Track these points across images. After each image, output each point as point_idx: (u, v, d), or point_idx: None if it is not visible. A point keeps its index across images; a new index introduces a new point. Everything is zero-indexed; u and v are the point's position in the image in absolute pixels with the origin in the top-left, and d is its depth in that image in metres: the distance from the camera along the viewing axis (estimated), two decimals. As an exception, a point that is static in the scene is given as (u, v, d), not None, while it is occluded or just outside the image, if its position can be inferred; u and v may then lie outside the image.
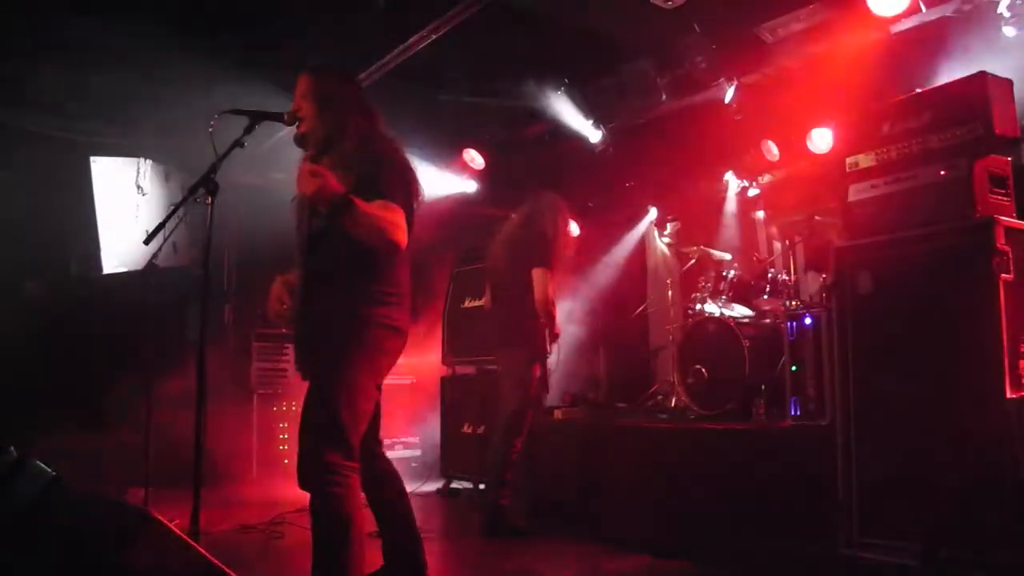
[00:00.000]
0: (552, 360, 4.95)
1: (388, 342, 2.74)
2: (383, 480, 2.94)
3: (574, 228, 7.19)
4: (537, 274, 4.54)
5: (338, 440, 2.57)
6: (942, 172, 3.34)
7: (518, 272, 4.63)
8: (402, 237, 2.62)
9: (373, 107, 2.88)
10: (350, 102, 2.82)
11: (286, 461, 6.13)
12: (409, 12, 4.92)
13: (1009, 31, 4.32)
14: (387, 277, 2.72)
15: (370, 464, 2.83)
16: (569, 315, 6.67)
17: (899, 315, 3.37)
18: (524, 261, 4.63)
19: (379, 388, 2.81)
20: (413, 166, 2.84)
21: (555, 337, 4.74)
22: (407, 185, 2.73)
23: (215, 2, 4.84)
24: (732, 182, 6.84)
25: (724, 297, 5.59)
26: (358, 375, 2.65)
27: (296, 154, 2.87)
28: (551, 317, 4.58)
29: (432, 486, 6.12)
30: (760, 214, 6.86)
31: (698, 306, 5.81)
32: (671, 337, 6.11)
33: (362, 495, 2.72)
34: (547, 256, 4.60)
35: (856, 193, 3.69)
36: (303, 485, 2.58)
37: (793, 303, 5.06)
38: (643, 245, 7.80)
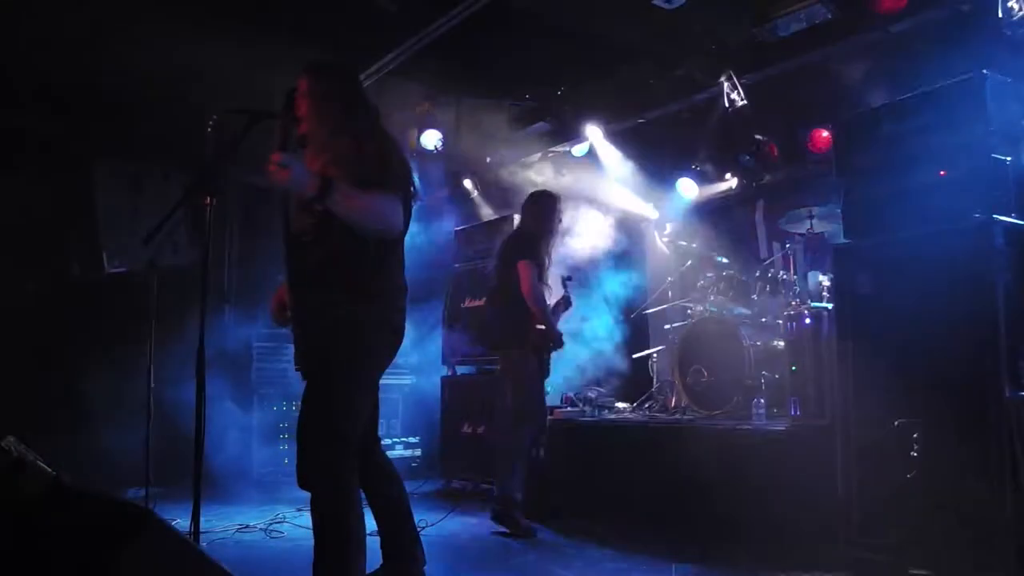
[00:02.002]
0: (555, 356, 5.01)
1: (383, 340, 2.74)
2: (381, 477, 2.95)
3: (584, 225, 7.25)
4: (521, 267, 4.65)
5: (336, 439, 2.57)
6: (942, 172, 3.34)
7: (508, 270, 4.75)
8: (396, 221, 2.62)
9: (372, 104, 2.87)
10: (349, 100, 2.81)
11: (286, 461, 6.12)
12: (410, 13, 4.92)
13: (1008, 31, 4.32)
14: (380, 274, 2.71)
15: (368, 461, 2.83)
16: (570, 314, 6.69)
17: (899, 315, 3.37)
18: (512, 258, 4.74)
19: (376, 386, 2.80)
20: (409, 163, 2.84)
21: (550, 334, 4.71)
22: (404, 179, 2.72)
23: (215, 1, 4.84)
24: (732, 181, 6.84)
25: (724, 297, 5.59)
26: (354, 374, 2.65)
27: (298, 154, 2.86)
28: (539, 310, 4.62)
29: (432, 486, 6.12)
30: (760, 214, 6.86)
31: (698, 306, 5.81)
32: (671, 337, 6.11)
33: (361, 492, 2.73)
34: (530, 249, 4.72)
35: (856, 193, 3.70)
36: (302, 485, 2.58)
37: (793, 303, 5.06)
38: (643, 245, 7.80)
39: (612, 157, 6.77)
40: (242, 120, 2.74)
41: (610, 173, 6.91)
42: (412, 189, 2.77)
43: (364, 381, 2.71)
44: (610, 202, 7.24)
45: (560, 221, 4.96)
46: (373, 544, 2.89)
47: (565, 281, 5.07)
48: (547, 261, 4.86)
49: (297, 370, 2.77)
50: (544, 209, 4.91)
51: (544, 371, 4.83)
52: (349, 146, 2.68)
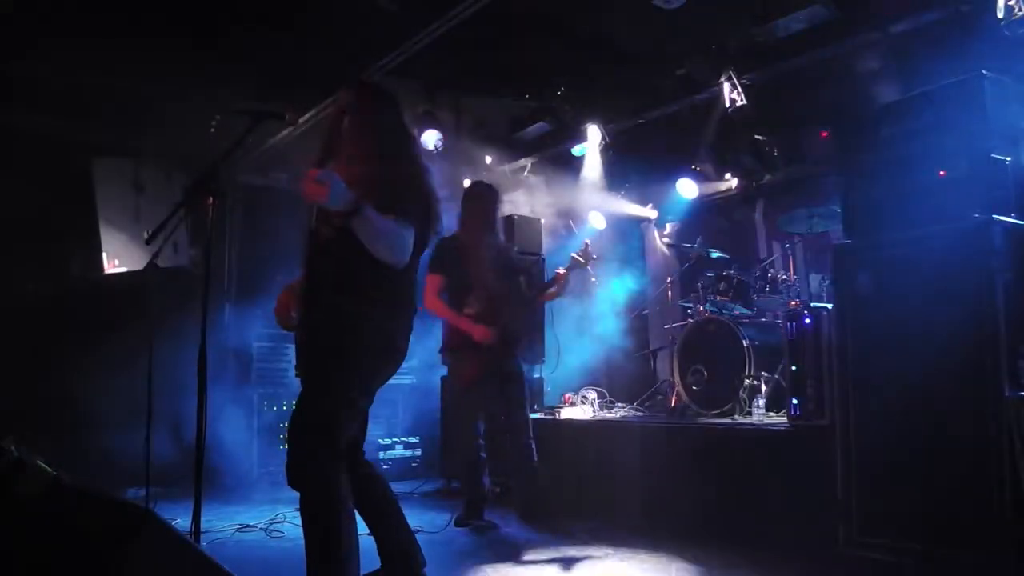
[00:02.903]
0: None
1: (383, 352, 2.76)
2: (369, 483, 2.94)
3: (599, 221, 7.27)
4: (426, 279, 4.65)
5: (326, 439, 2.59)
6: (942, 172, 3.34)
7: None
8: (403, 256, 2.66)
9: (411, 132, 2.93)
10: (388, 122, 2.84)
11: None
12: (410, 13, 4.92)
13: (1008, 31, 4.32)
14: (389, 289, 2.74)
15: (353, 468, 2.83)
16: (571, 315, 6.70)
17: (899, 315, 3.37)
18: None
19: (371, 396, 2.81)
20: (436, 192, 2.87)
21: (473, 335, 4.56)
22: (426, 210, 2.75)
23: (216, 1, 4.84)
24: (732, 181, 6.85)
25: (724, 297, 5.60)
26: (352, 376, 2.67)
27: (298, 154, 2.88)
28: (447, 317, 4.65)
29: (432, 486, 6.12)
30: (760, 214, 6.87)
31: (698, 306, 5.82)
32: (671, 337, 6.11)
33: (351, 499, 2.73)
34: (431, 261, 4.63)
35: (856, 193, 3.70)
36: (292, 484, 2.60)
37: (793, 303, 5.07)
38: (643, 245, 7.81)
39: (595, 170, 6.81)
40: (244, 120, 2.75)
41: (586, 182, 6.95)
42: (433, 221, 2.80)
43: (361, 385, 2.72)
44: (607, 205, 7.27)
45: (487, 212, 4.67)
46: (373, 546, 2.89)
47: (578, 253, 4.68)
48: (482, 257, 4.63)
49: (297, 376, 2.79)
50: (465, 211, 4.74)
51: (471, 376, 4.67)
52: (380, 168, 2.72)
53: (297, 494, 2.60)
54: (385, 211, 2.56)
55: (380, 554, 2.95)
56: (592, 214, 7.45)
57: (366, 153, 2.77)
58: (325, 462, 2.57)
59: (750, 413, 4.73)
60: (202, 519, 2.72)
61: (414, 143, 2.91)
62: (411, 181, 2.76)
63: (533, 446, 4.76)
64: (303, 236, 2.85)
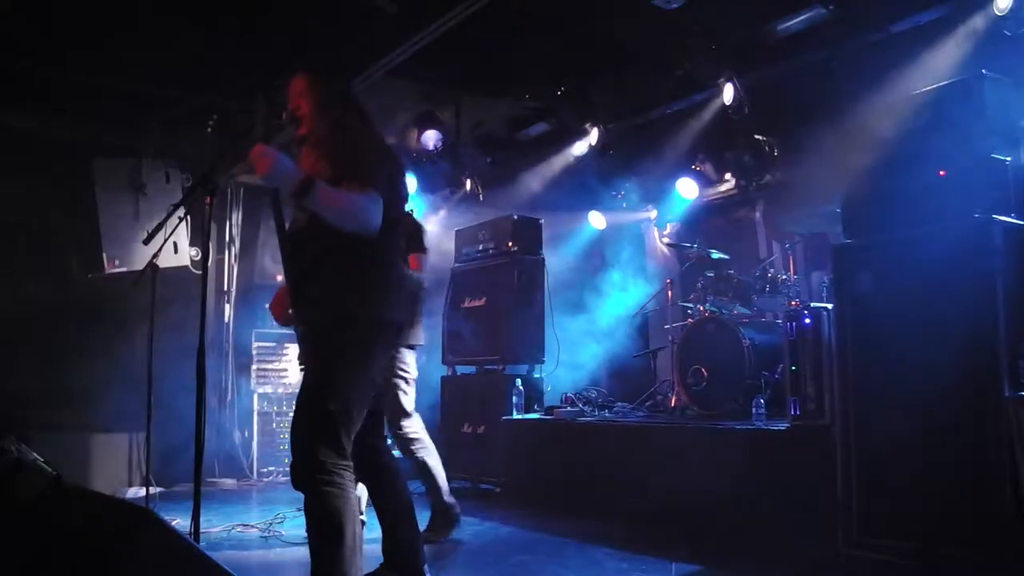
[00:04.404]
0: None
1: (380, 335, 2.72)
2: (386, 476, 2.94)
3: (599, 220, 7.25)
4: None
5: (329, 439, 2.54)
6: (941, 172, 3.34)
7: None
8: (374, 220, 2.55)
9: (363, 106, 2.92)
10: (343, 100, 2.86)
11: (286, 460, 6.14)
12: (410, 13, 4.92)
13: (1008, 30, 4.32)
14: (375, 269, 2.69)
15: (373, 460, 2.83)
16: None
17: (899, 315, 3.37)
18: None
19: (377, 382, 2.78)
20: (399, 158, 2.86)
21: None
22: (390, 173, 2.70)
23: (215, 1, 4.84)
24: (732, 181, 6.85)
25: (724, 297, 5.60)
26: (348, 372, 2.61)
27: (297, 153, 2.88)
28: None
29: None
30: (760, 214, 6.87)
31: (698, 306, 5.82)
32: (671, 337, 6.11)
33: (361, 490, 2.72)
34: None
35: (856, 193, 3.70)
36: (296, 485, 2.56)
37: (793, 303, 5.07)
38: (643, 245, 7.81)
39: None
40: (243, 119, 2.75)
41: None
42: (397, 185, 2.76)
43: (360, 379, 2.68)
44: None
45: None
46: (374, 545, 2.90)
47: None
48: None
49: (301, 369, 2.77)
50: None
51: None
52: (342, 143, 2.71)
53: (299, 494, 2.58)
54: (347, 181, 2.53)
55: (383, 550, 2.95)
56: (592, 214, 7.45)
57: (324, 130, 2.75)
58: (324, 460, 2.54)
59: (750, 413, 4.73)
60: (202, 519, 2.72)
61: (365, 113, 2.88)
62: (368, 147, 2.74)
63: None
64: (276, 227, 2.81)
